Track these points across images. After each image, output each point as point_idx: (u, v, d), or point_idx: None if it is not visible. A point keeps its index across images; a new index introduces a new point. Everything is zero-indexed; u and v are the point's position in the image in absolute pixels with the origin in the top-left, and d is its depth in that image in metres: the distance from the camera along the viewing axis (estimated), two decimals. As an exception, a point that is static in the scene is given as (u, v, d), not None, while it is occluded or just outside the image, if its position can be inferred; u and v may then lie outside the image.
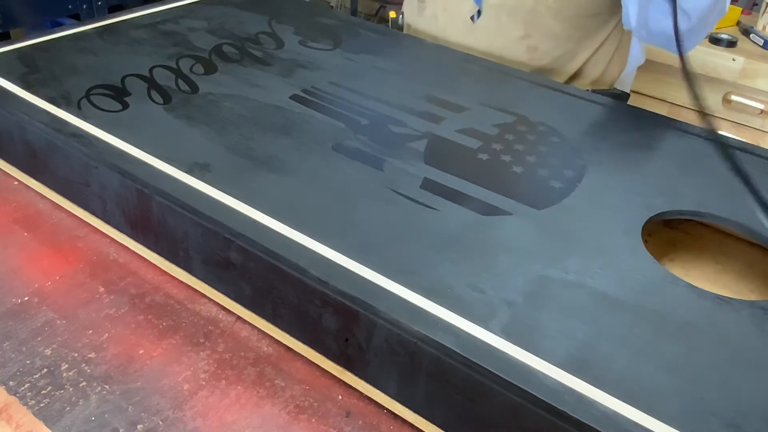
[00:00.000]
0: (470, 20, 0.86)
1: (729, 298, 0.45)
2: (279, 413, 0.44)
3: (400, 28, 1.05)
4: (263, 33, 0.79)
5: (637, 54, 0.90)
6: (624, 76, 0.92)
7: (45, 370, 0.46)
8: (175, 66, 0.69)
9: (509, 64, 0.82)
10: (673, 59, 1.58)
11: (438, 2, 0.94)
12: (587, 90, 0.84)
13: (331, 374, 0.47)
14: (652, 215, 0.52)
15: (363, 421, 0.44)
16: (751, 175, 0.44)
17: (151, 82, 0.65)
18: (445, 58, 0.77)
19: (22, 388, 0.44)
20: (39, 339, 0.48)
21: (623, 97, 0.89)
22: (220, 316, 0.52)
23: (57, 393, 0.44)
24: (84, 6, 1.36)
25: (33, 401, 0.44)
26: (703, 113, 0.47)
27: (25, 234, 0.58)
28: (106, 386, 0.45)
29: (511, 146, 0.60)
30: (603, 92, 0.77)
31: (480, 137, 0.61)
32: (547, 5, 0.83)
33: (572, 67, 0.88)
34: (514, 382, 0.37)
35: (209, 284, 0.52)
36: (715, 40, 1.43)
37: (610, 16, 0.87)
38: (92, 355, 0.47)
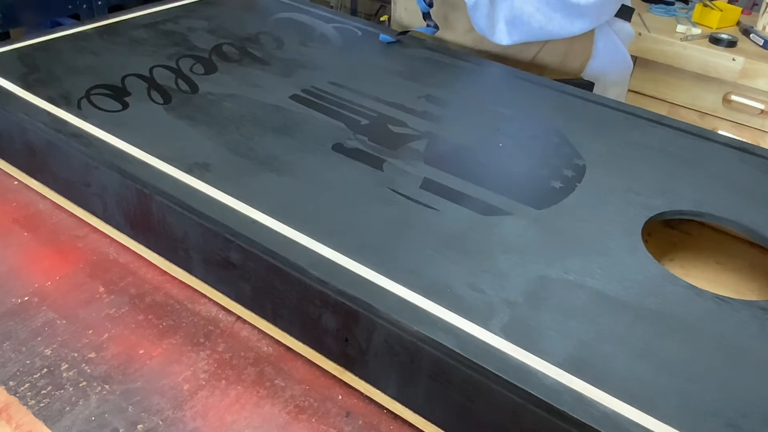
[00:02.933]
0: (422, 15, 0.86)
1: (729, 298, 0.45)
2: (279, 413, 0.44)
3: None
4: (263, 33, 0.79)
5: (603, 48, 0.88)
6: (599, 71, 0.90)
7: (45, 370, 0.46)
8: (175, 66, 0.69)
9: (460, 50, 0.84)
10: (673, 59, 1.56)
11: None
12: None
13: (331, 374, 0.47)
14: (652, 215, 0.52)
15: (363, 421, 0.44)
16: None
17: (151, 82, 0.65)
18: (446, 58, 0.77)
19: (22, 388, 0.44)
20: (39, 339, 0.48)
21: (588, 87, 0.88)
22: (220, 316, 0.52)
23: (57, 393, 0.44)
24: (84, 6, 1.36)
25: (33, 401, 0.44)
26: None
27: (25, 234, 0.58)
28: (106, 386, 0.45)
29: (511, 146, 0.60)
30: (566, 81, 0.77)
31: (480, 137, 0.61)
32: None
33: (526, 56, 0.88)
34: (514, 382, 0.37)
35: (209, 284, 0.52)
36: (715, 40, 1.43)
37: None
38: (92, 355, 0.47)
